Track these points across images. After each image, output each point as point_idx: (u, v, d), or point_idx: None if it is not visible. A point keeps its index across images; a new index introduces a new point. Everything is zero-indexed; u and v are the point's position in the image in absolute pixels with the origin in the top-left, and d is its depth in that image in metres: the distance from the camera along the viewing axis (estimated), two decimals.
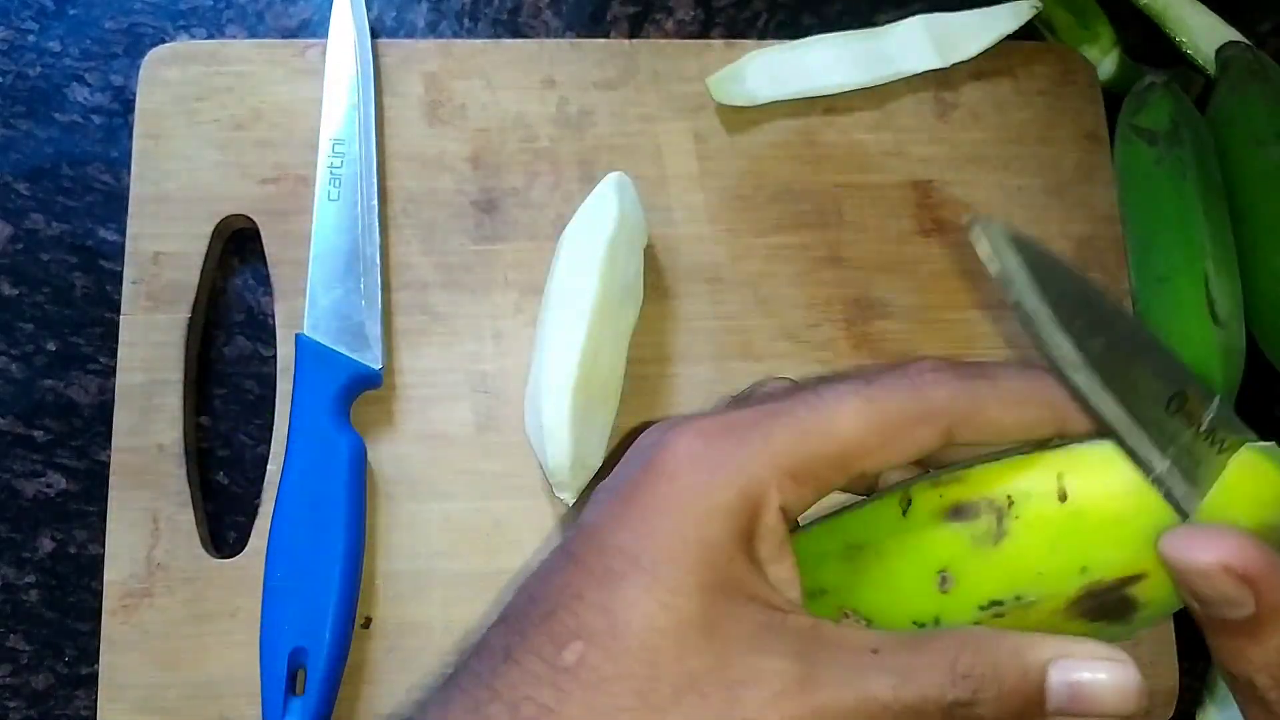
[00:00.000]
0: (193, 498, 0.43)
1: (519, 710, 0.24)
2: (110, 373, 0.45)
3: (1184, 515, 0.25)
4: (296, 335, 0.43)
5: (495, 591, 0.43)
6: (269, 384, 0.45)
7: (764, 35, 0.51)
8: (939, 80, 0.49)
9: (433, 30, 0.50)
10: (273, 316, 0.45)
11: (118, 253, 0.46)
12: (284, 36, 0.49)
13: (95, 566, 0.43)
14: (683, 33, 0.51)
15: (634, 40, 0.50)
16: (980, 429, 0.27)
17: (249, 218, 0.46)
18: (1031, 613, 0.26)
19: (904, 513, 0.28)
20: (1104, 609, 0.26)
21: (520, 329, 0.45)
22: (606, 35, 0.51)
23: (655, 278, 0.46)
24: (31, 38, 0.49)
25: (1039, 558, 0.26)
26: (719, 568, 0.25)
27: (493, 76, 0.48)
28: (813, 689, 0.24)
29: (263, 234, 0.46)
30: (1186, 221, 0.45)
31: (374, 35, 0.47)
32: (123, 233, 0.45)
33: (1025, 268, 0.25)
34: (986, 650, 0.25)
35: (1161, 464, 0.25)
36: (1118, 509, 0.26)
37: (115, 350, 0.44)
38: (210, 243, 0.45)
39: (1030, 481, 0.26)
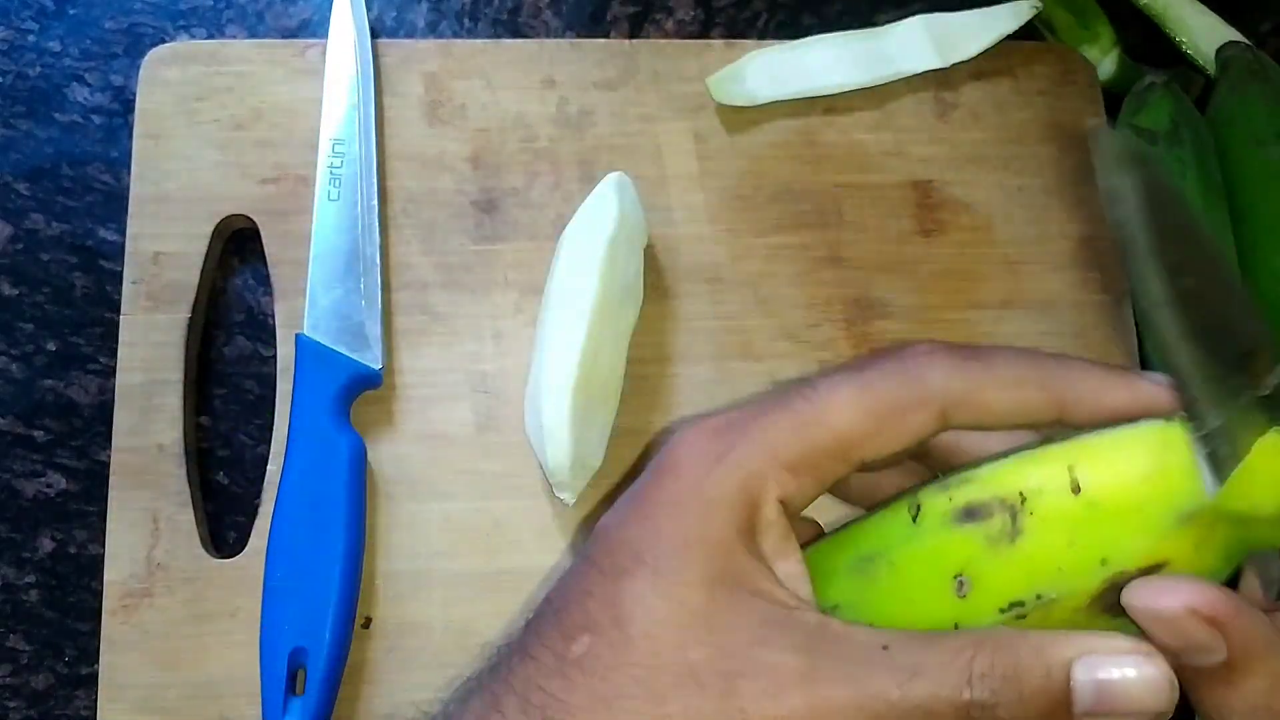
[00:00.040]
0: (193, 498, 0.43)
1: (529, 699, 0.25)
2: (110, 373, 0.45)
3: (1212, 485, 0.24)
4: (296, 335, 0.43)
5: (495, 591, 0.43)
6: (269, 384, 0.45)
7: (764, 35, 0.51)
8: (939, 80, 0.49)
9: (433, 30, 0.50)
10: (273, 316, 0.45)
11: (118, 253, 0.46)
12: (284, 36, 0.49)
13: (95, 566, 0.43)
14: (683, 33, 0.51)
15: (634, 40, 0.50)
16: (976, 411, 0.27)
17: (249, 218, 0.46)
18: (1054, 611, 0.26)
19: (914, 519, 0.27)
20: None
21: (520, 329, 0.45)
22: (606, 35, 0.51)
23: (655, 278, 0.46)
24: (31, 38, 0.49)
25: (1057, 553, 0.25)
26: (721, 561, 0.25)
27: (493, 76, 0.48)
28: (813, 683, 0.24)
29: (263, 234, 0.46)
30: None
31: (374, 35, 0.47)
32: (123, 233, 0.45)
33: (1138, 189, 0.24)
34: (1006, 649, 0.24)
35: (1214, 421, 0.24)
36: (1134, 496, 0.25)
37: (115, 350, 0.44)
38: (210, 243, 0.45)
39: (1041, 476, 0.26)
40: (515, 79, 0.48)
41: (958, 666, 0.24)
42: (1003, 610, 0.26)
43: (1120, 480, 0.25)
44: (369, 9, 0.48)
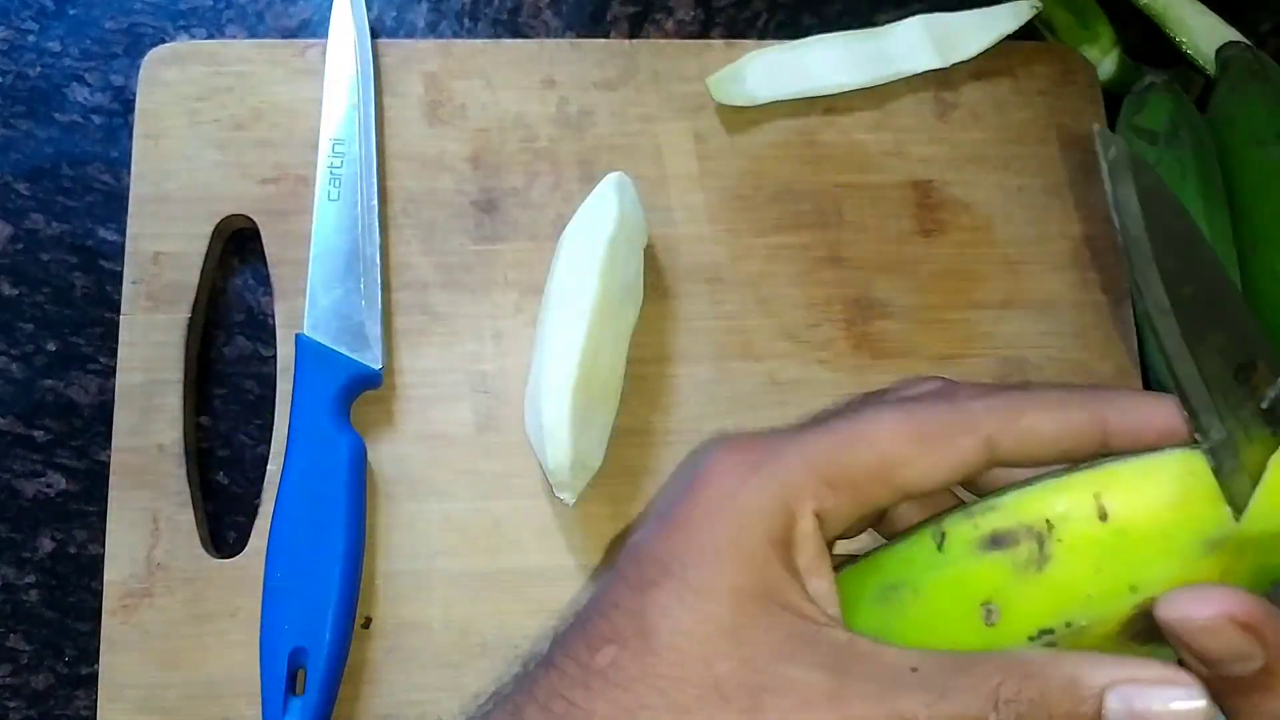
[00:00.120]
0: (193, 498, 0.43)
1: (550, 708, 0.25)
2: (110, 373, 0.45)
3: (1234, 507, 0.24)
4: (296, 335, 0.43)
5: (495, 591, 0.43)
6: (269, 384, 0.45)
7: (764, 35, 0.51)
8: (939, 80, 0.49)
9: (433, 30, 0.50)
10: (273, 316, 0.45)
11: (118, 253, 0.46)
12: (284, 36, 0.49)
13: (95, 566, 0.43)
14: (683, 33, 0.51)
15: (634, 40, 0.50)
16: (1022, 437, 0.26)
17: (249, 218, 0.46)
18: (1083, 639, 0.25)
19: (939, 547, 0.27)
20: (1158, 628, 0.25)
21: (520, 329, 0.45)
22: (606, 35, 0.51)
23: (655, 278, 0.46)
24: (31, 38, 0.49)
25: (1086, 580, 0.25)
26: (752, 572, 0.25)
27: (493, 76, 0.48)
28: (840, 702, 0.24)
29: (263, 234, 0.46)
30: None
31: (374, 35, 0.47)
32: (123, 233, 0.45)
33: (1139, 197, 0.24)
34: (1035, 675, 0.24)
35: (1219, 433, 0.24)
36: (1162, 523, 0.25)
37: (115, 350, 0.44)
38: (210, 243, 0.45)
39: (1068, 503, 0.25)
40: (515, 79, 0.48)
41: (986, 691, 0.23)
42: (1032, 638, 0.26)
43: (1148, 507, 0.25)
44: (369, 9, 0.48)
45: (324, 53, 0.47)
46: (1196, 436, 0.25)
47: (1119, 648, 0.26)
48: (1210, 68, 0.50)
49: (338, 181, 0.45)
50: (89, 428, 0.45)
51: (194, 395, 0.45)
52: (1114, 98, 0.50)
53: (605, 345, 0.42)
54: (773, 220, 0.47)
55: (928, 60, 0.48)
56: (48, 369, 0.46)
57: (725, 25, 0.51)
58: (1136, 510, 0.25)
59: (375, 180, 0.46)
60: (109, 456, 0.43)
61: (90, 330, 0.46)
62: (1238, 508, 0.24)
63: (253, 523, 0.43)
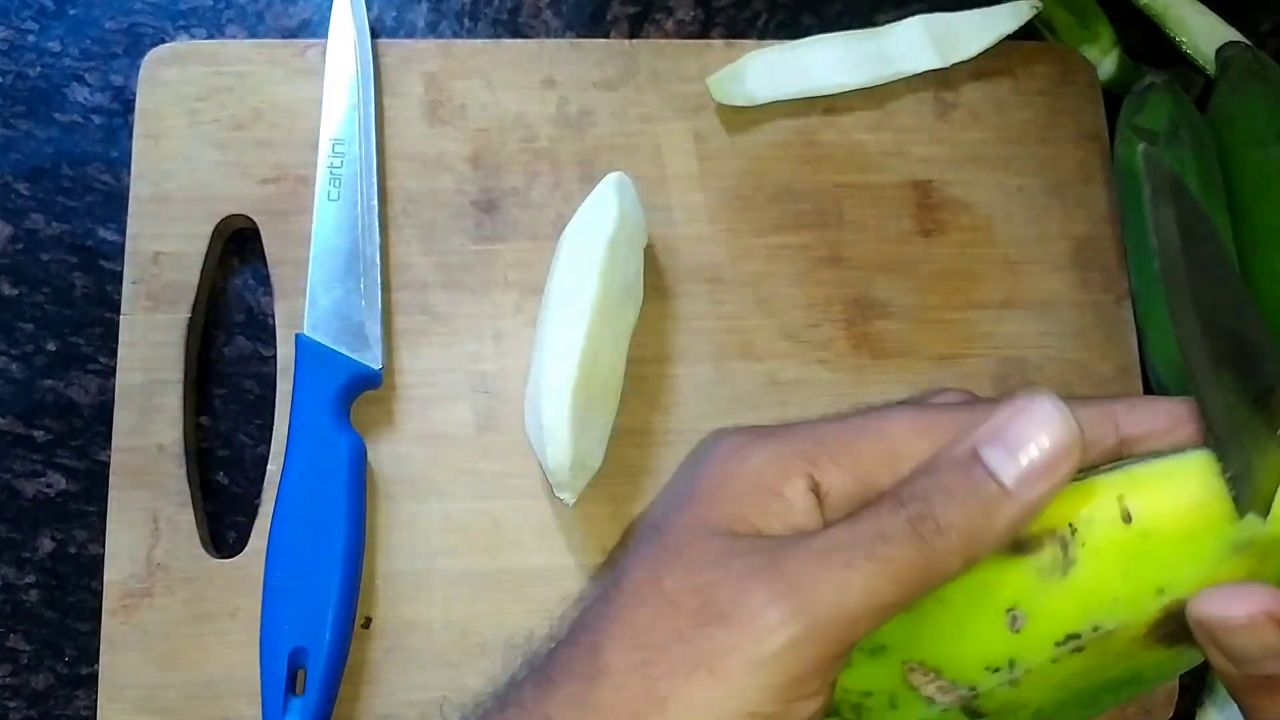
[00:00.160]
0: (193, 498, 0.43)
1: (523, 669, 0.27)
2: (110, 373, 0.45)
3: (1259, 511, 0.24)
4: (296, 335, 0.43)
5: (495, 591, 0.43)
6: (269, 384, 0.45)
7: (764, 35, 0.51)
8: (939, 80, 0.49)
9: (433, 30, 0.50)
10: (273, 316, 0.45)
11: (118, 253, 0.46)
12: (284, 36, 0.49)
13: (95, 566, 0.43)
14: (683, 33, 0.51)
15: (634, 40, 0.50)
16: None
17: (249, 218, 0.46)
18: (1111, 642, 0.25)
19: None
20: (1185, 630, 0.25)
21: (520, 329, 0.45)
22: (606, 35, 0.51)
23: (655, 278, 0.46)
24: (31, 38, 0.49)
25: (1112, 584, 0.25)
26: (723, 506, 0.26)
27: (493, 76, 0.48)
28: (779, 572, 0.24)
29: (263, 234, 0.46)
30: None
31: (374, 35, 0.47)
32: (123, 233, 0.45)
33: (1179, 222, 0.24)
34: (925, 469, 0.25)
35: (1238, 462, 0.24)
36: (1187, 525, 0.25)
37: (115, 350, 0.44)
38: (210, 243, 0.45)
39: (1091, 507, 0.25)
40: (515, 79, 0.48)
41: (889, 502, 0.25)
42: (1059, 643, 0.26)
43: (1173, 509, 0.25)
44: (369, 9, 0.48)
45: (324, 53, 0.47)
46: (1219, 462, 0.25)
47: (1146, 650, 0.26)
48: (1210, 68, 0.50)
49: (338, 181, 0.45)
50: (89, 428, 0.45)
51: (194, 395, 0.45)
52: (1114, 98, 0.50)
53: (605, 345, 0.42)
54: (773, 220, 0.47)
55: (928, 60, 0.48)
56: (48, 369, 0.46)
57: (725, 25, 0.51)
58: (1162, 512, 0.25)
59: (375, 180, 0.46)
60: (109, 456, 0.43)
61: (90, 330, 0.46)
62: (1263, 511, 0.24)
63: (253, 523, 0.43)
